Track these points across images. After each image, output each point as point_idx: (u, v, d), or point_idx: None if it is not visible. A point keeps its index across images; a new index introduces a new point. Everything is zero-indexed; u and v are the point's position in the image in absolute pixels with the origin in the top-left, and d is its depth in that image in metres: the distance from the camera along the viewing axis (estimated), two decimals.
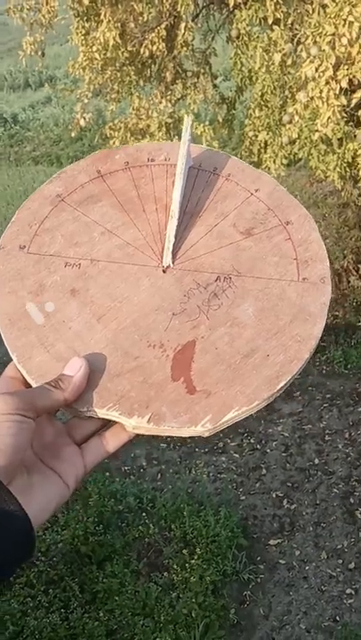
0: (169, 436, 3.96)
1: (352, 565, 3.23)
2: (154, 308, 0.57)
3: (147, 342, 0.55)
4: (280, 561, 3.33)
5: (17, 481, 0.48)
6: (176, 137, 4.37)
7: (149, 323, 0.56)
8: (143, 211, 0.64)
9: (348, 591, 3.11)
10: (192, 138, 0.67)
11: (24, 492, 0.48)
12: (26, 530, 0.46)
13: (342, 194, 5.29)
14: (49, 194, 0.65)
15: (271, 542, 3.44)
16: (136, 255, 0.60)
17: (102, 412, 0.52)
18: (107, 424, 0.55)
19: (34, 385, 0.54)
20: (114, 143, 4.55)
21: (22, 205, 0.65)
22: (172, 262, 0.60)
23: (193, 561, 3.19)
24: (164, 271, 0.59)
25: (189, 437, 0.52)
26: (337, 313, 5.24)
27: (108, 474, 3.89)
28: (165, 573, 3.22)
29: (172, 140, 4.31)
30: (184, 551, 3.28)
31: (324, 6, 3.15)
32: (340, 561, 3.27)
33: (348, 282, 5.41)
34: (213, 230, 0.63)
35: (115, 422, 0.54)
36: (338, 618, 2.99)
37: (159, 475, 3.98)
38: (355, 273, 5.40)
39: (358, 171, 3.67)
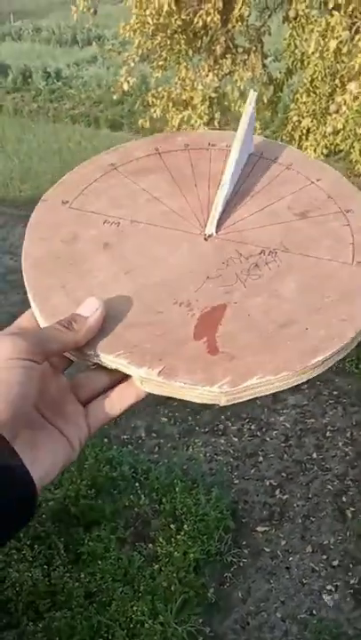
0: (172, 410, 3.95)
1: (336, 563, 3.24)
2: (188, 269, 0.54)
3: (173, 300, 0.52)
4: (265, 548, 3.35)
5: (21, 437, 0.44)
6: (218, 112, 4.31)
7: (180, 283, 0.53)
8: (195, 185, 0.62)
9: (329, 587, 3.12)
10: (255, 114, 0.66)
11: (29, 450, 0.45)
12: (29, 491, 0.43)
13: None
14: (102, 163, 0.65)
15: (258, 529, 3.46)
16: (179, 222, 0.59)
17: (110, 359, 0.49)
18: (114, 384, 0.51)
19: (44, 325, 0.51)
20: (154, 111, 4.49)
21: (73, 169, 0.65)
22: (216, 232, 0.57)
23: (179, 536, 3.21)
24: (205, 239, 0.57)
25: (202, 406, 0.49)
26: None
27: (106, 440, 3.91)
28: (150, 545, 3.25)
29: (213, 115, 4.26)
30: (172, 526, 3.30)
31: None
32: (325, 557, 3.28)
33: None
34: (266, 209, 0.60)
35: (122, 381, 0.51)
36: (315, 612, 3.00)
37: (156, 448, 4.00)
38: None
39: None
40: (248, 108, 0.64)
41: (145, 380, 0.48)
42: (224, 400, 0.47)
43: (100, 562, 3.07)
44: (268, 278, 0.54)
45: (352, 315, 0.51)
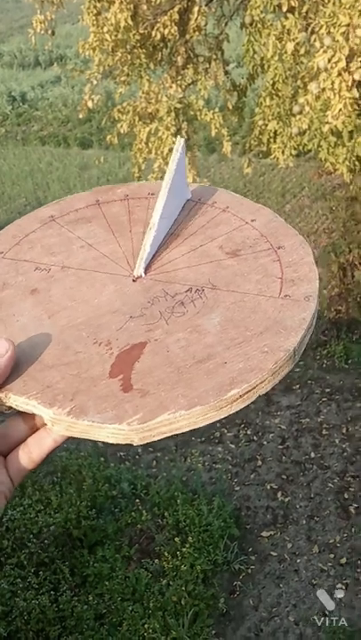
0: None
1: (344, 560, 3.23)
2: (112, 310, 0.55)
3: (93, 339, 0.52)
4: (272, 553, 3.33)
5: None
6: (185, 122, 4.32)
7: (102, 322, 0.54)
8: (130, 231, 0.64)
9: (339, 586, 3.12)
10: (184, 159, 0.66)
11: None
12: None
13: (351, 187, 5.25)
14: (42, 215, 0.67)
15: (263, 534, 3.45)
16: (110, 266, 0.60)
17: (22, 401, 0.48)
18: (33, 433, 0.51)
19: None
20: (121, 127, 4.50)
21: (13, 222, 0.67)
22: (145, 273, 0.58)
23: (184, 549, 3.19)
24: (133, 280, 0.58)
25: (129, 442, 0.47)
26: (340, 307, 5.21)
27: (102, 459, 3.89)
28: (156, 560, 3.23)
29: (180, 125, 4.27)
30: (176, 539, 3.29)
31: None
32: (332, 555, 3.28)
33: (353, 276, 5.38)
34: (198, 250, 0.61)
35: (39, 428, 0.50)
36: (327, 612, 3.00)
37: (154, 462, 3.98)
38: (360, 267, 5.37)
39: None
40: (175, 155, 0.64)
41: (55, 421, 0.47)
42: (137, 439, 0.46)
43: (107, 582, 3.05)
44: (192, 314, 0.54)
45: (273, 346, 0.50)
